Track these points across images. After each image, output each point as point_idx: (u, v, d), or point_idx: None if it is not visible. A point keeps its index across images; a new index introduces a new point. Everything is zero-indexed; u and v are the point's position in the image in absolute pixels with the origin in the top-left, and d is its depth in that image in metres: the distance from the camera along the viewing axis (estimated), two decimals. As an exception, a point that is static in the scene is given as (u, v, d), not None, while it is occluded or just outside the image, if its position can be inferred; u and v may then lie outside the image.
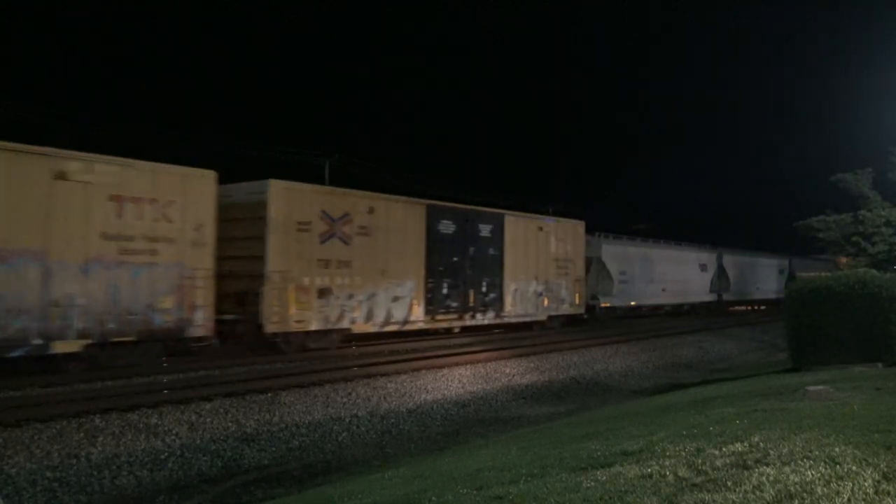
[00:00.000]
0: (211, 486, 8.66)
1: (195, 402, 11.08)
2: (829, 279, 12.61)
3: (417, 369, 15.07)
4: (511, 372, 16.17)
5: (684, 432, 5.68)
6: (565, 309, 25.34)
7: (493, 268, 21.94)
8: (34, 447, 8.76)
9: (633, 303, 30.96)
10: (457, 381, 14.72)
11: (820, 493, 3.51)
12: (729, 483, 3.80)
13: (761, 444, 4.77)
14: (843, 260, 48.31)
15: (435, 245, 19.89)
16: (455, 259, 20.58)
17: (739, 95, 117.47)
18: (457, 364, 16.07)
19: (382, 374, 14.28)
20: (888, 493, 3.46)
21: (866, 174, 23.65)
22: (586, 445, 5.87)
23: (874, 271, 13.22)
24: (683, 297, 35.09)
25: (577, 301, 26.12)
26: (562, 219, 26.55)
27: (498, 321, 22.31)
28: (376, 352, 17.59)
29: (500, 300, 22.16)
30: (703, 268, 37.08)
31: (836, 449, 4.38)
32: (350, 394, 12.70)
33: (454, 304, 20.53)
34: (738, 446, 4.75)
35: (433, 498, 4.42)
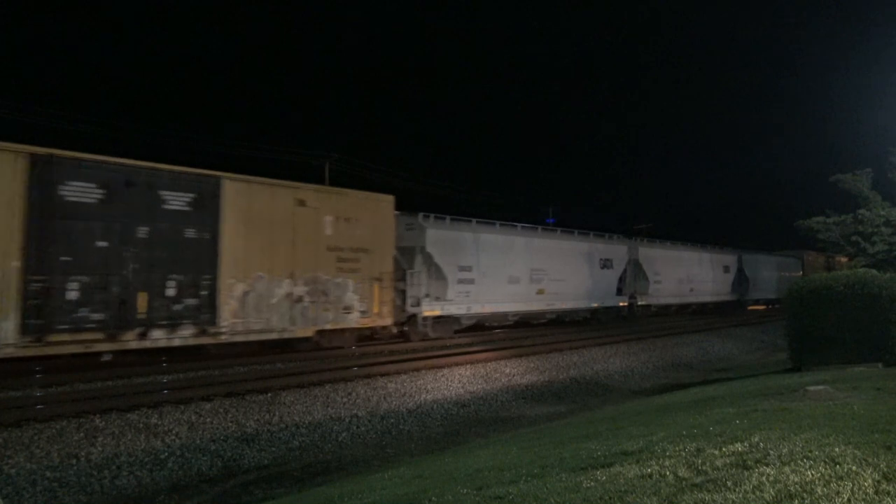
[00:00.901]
0: (211, 486, 8.66)
1: (195, 402, 11.09)
2: (830, 279, 12.61)
3: (417, 369, 15.07)
4: (511, 372, 16.17)
5: (684, 432, 5.68)
6: (353, 320, 17.21)
7: (197, 259, 14.14)
8: (34, 447, 8.76)
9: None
10: (457, 381, 14.72)
11: (820, 493, 3.51)
12: (729, 483, 3.80)
13: (761, 444, 4.77)
14: (822, 257, 44.19)
15: (53, 221, 12.22)
16: (102, 244, 12.76)
17: (739, 96, 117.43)
18: (457, 364, 16.07)
19: (382, 374, 14.28)
20: (888, 493, 3.46)
21: (866, 174, 23.66)
22: (586, 445, 5.87)
23: (874, 271, 13.22)
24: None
25: (376, 309, 17.74)
26: (346, 190, 18.22)
27: (208, 339, 14.37)
28: (376, 352, 17.58)
29: (210, 307, 14.22)
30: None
31: (836, 449, 4.38)
32: (350, 394, 12.70)
33: (95, 317, 12.55)
34: (738, 446, 4.75)
35: (433, 498, 4.42)
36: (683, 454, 4.70)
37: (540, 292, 24.61)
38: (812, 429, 5.24)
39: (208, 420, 10.54)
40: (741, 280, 40.69)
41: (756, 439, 4.92)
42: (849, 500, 3.40)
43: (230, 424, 10.57)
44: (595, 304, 27.91)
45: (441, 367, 15.61)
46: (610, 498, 3.76)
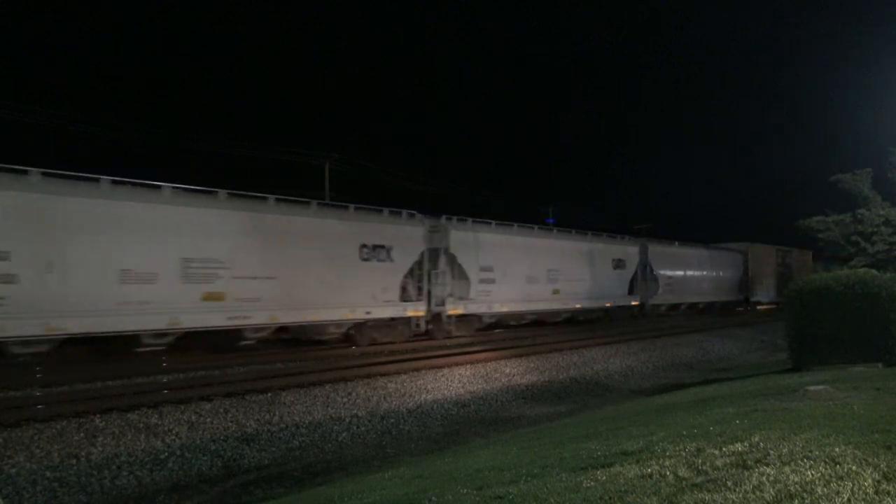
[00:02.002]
0: (211, 486, 8.66)
1: (195, 402, 11.08)
2: (830, 279, 12.61)
3: (417, 369, 15.06)
4: (511, 372, 16.17)
5: (684, 432, 5.68)
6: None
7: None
8: (34, 447, 8.76)
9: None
10: (457, 380, 14.72)
11: (820, 493, 3.50)
12: (729, 483, 3.80)
13: (761, 444, 4.77)
14: (773, 253, 41.73)
15: None
16: None
17: (739, 96, 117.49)
18: (457, 364, 16.07)
19: (382, 374, 14.27)
20: (888, 493, 3.46)
21: (866, 174, 23.66)
22: (586, 445, 5.87)
23: (874, 271, 13.21)
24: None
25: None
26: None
27: None
28: (376, 352, 17.59)
29: None
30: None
31: (837, 449, 4.38)
32: (350, 394, 12.70)
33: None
34: (739, 446, 4.75)
35: (433, 498, 4.42)
36: (683, 454, 4.70)
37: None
38: (812, 429, 5.24)
39: (208, 420, 10.54)
40: (645, 279, 31.49)
41: (756, 439, 4.92)
42: (849, 500, 3.40)
43: (230, 424, 10.56)
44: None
45: (441, 367, 15.61)
46: (610, 498, 3.76)
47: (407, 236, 19.59)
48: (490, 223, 23.03)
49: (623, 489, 3.91)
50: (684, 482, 3.96)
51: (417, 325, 19.91)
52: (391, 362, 15.76)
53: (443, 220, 21.24)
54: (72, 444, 9.01)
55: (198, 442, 9.82)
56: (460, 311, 20.94)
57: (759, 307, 42.06)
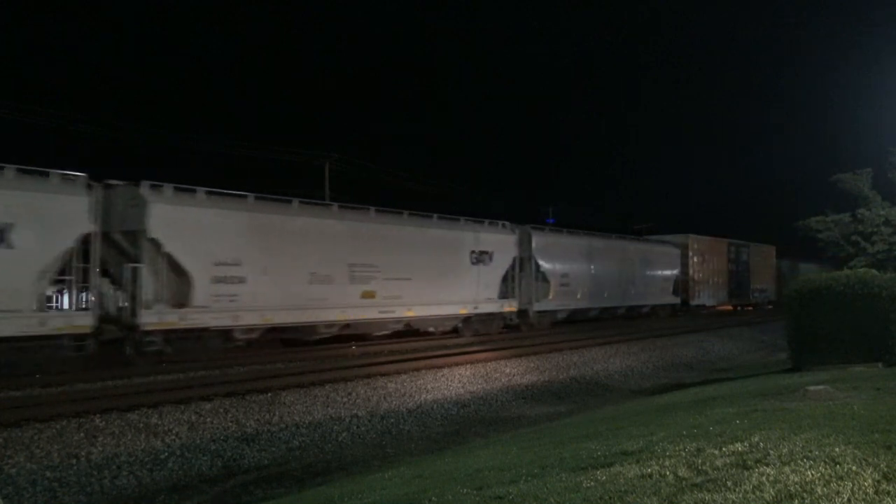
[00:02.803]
0: (211, 486, 8.66)
1: (195, 402, 11.07)
2: (830, 279, 12.60)
3: (417, 369, 15.06)
4: (511, 372, 16.17)
5: (684, 432, 5.68)
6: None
7: None
8: (34, 447, 8.76)
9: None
10: (457, 380, 14.71)
11: (820, 493, 3.50)
12: (729, 483, 3.80)
13: (761, 444, 4.77)
14: (725, 248, 39.03)
15: None
16: None
17: (739, 96, 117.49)
18: (457, 364, 16.06)
19: (382, 374, 14.27)
20: (888, 493, 3.46)
21: (866, 174, 23.65)
22: (586, 445, 5.87)
23: (874, 271, 13.22)
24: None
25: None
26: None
27: None
28: (376, 352, 17.59)
29: None
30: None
31: (837, 449, 4.38)
32: (350, 394, 12.70)
33: None
34: (739, 446, 4.74)
35: (433, 498, 4.42)
36: (683, 454, 4.69)
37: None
38: (812, 429, 5.24)
39: (208, 420, 10.53)
40: (527, 278, 24.41)
41: (756, 439, 4.92)
42: (849, 500, 3.40)
43: (230, 424, 10.56)
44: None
45: (441, 367, 15.60)
46: (610, 498, 3.76)
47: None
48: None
49: (623, 489, 3.91)
50: (684, 482, 3.96)
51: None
52: (391, 362, 15.75)
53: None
54: (72, 444, 9.01)
55: (198, 442, 9.81)
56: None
57: (703, 311, 36.29)
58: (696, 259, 34.80)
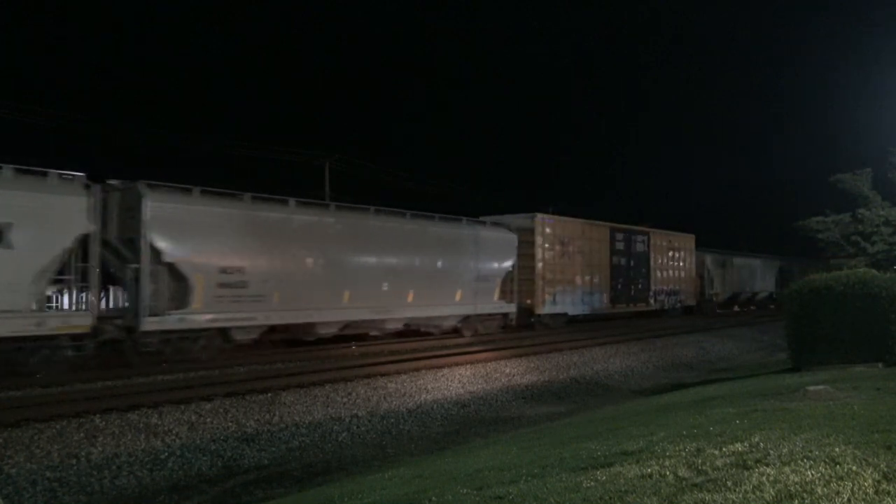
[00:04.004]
0: (211, 486, 8.66)
1: (195, 402, 11.07)
2: (830, 279, 12.59)
3: (417, 369, 15.06)
4: (511, 372, 16.17)
5: (684, 432, 5.68)
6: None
7: None
8: (34, 447, 8.76)
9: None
10: (457, 380, 14.71)
11: (820, 493, 3.50)
12: (729, 483, 3.80)
13: (761, 444, 4.77)
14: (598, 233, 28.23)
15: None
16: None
17: (739, 96, 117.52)
18: (457, 364, 16.06)
19: (382, 374, 14.27)
20: (888, 493, 3.46)
21: (865, 174, 23.64)
22: (586, 445, 5.87)
23: (874, 271, 13.21)
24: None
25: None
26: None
27: None
28: (376, 352, 17.59)
29: None
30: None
31: (837, 449, 4.38)
32: (350, 394, 12.70)
33: None
34: (739, 446, 4.74)
35: (433, 498, 4.42)
36: (683, 454, 4.69)
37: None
38: (812, 429, 5.24)
39: (208, 420, 10.53)
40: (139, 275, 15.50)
41: (756, 439, 4.92)
42: (849, 500, 3.40)
43: (230, 424, 10.56)
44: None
45: (441, 367, 15.60)
46: (610, 498, 3.76)
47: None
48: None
49: (623, 489, 3.91)
50: (684, 482, 3.96)
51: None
52: (391, 362, 15.75)
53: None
54: (72, 444, 9.01)
55: (198, 442, 9.81)
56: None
57: (558, 324, 25.61)
58: (548, 249, 24.95)
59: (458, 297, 21.26)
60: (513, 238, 23.63)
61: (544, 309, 24.89)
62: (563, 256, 26.13)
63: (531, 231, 24.73)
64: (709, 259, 38.08)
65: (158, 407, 10.62)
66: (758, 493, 3.58)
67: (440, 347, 18.74)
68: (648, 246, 31.71)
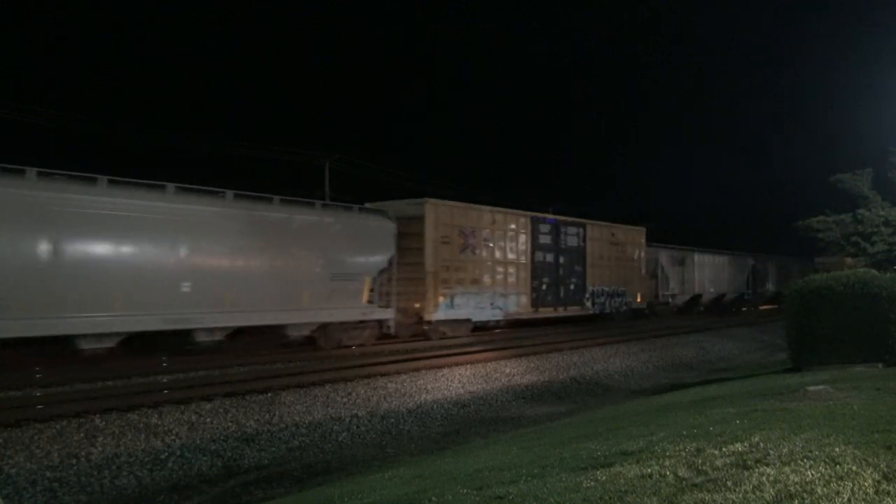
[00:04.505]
0: (211, 486, 8.66)
1: (195, 402, 11.08)
2: (830, 279, 12.60)
3: (417, 369, 15.07)
4: (511, 372, 16.17)
5: (684, 432, 5.68)
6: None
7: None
8: (34, 447, 8.76)
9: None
10: (457, 381, 14.72)
11: (820, 493, 3.50)
12: (729, 483, 3.80)
13: (761, 444, 4.77)
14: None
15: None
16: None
17: (739, 96, 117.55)
18: (457, 364, 16.07)
19: (382, 374, 14.28)
20: (888, 493, 3.46)
21: (866, 174, 23.63)
22: (586, 445, 5.87)
23: (874, 271, 13.20)
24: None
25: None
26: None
27: None
28: (376, 352, 17.59)
29: None
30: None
31: (837, 449, 4.38)
32: (350, 394, 12.70)
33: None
34: (739, 446, 4.74)
35: (433, 498, 4.42)
36: (683, 454, 4.69)
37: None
38: (812, 429, 5.24)
39: (208, 420, 10.53)
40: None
41: (756, 439, 4.92)
42: (849, 500, 3.40)
43: (230, 424, 10.56)
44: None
45: (441, 367, 15.61)
46: (610, 498, 3.76)
47: None
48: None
49: (623, 489, 3.91)
50: (684, 482, 3.96)
51: None
52: (391, 362, 15.76)
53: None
54: (72, 444, 9.01)
55: (198, 442, 9.82)
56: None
57: (456, 335, 20.96)
58: (444, 241, 20.39)
59: (304, 299, 16.43)
60: (388, 227, 18.82)
61: (438, 314, 20.11)
62: (466, 251, 21.29)
63: (420, 220, 19.86)
64: (663, 256, 33.47)
65: (158, 407, 10.63)
66: (758, 493, 3.58)
67: (440, 347, 18.74)
68: (584, 239, 26.92)
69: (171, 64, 75.39)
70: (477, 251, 21.78)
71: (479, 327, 22.34)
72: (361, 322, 18.09)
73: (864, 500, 3.40)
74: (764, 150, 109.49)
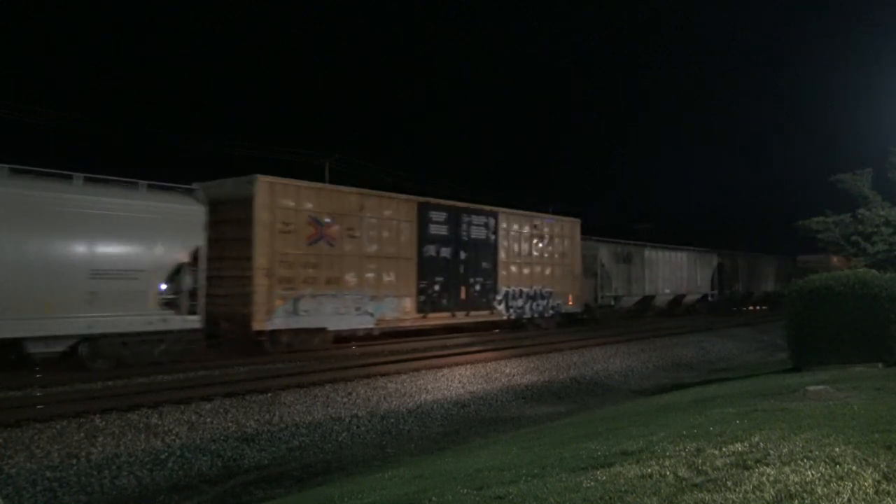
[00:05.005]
0: (211, 486, 8.66)
1: (195, 402, 11.08)
2: (830, 279, 12.60)
3: (417, 369, 15.07)
4: (511, 372, 16.17)
5: (684, 432, 5.68)
6: None
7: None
8: (34, 447, 8.76)
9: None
10: (457, 381, 14.72)
11: (820, 493, 3.50)
12: (729, 483, 3.80)
13: (761, 444, 4.77)
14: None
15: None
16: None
17: (739, 96, 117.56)
18: (457, 364, 16.07)
19: (382, 374, 14.28)
20: (888, 493, 3.46)
21: (866, 174, 23.63)
22: (586, 445, 5.87)
23: (874, 271, 13.21)
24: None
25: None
26: None
27: None
28: (376, 352, 17.59)
29: None
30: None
31: (837, 449, 4.38)
32: (350, 394, 12.70)
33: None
34: (739, 446, 4.74)
35: (433, 498, 4.42)
36: (683, 454, 4.69)
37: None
38: (812, 429, 5.24)
39: (208, 420, 10.53)
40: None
41: (756, 439, 4.92)
42: (849, 500, 3.40)
43: (230, 424, 10.56)
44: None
45: (441, 367, 15.61)
46: (610, 498, 3.76)
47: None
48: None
49: (623, 489, 3.91)
50: (684, 482, 3.96)
51: None
52: (391, 362, 15.76)
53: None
54: (72, 444, 9.01)
55: (198, 442, 9.81)
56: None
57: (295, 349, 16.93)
58: (285, 230, 16.32)
59: (51, 305, 12.31)
60: (191, 211, 14.60)
61: (274, 322, 15.98)
62: (320, 242, 17.03)
63: (247, 202, 15.74)
64: (604, 252, 29.19)
65: (158, 407, 10.63)
66: (758, 493, 3.58)
67: (440, 347, 18.74)
68: (495, 232, 22.47)
69: (171, 64, 75.42)
70: (335, 243, 17.37)
71: (346, 338, 18.26)
72: (153, 334, 13.86)
73: (864, 500, 3.40)
74: (764, 150, 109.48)
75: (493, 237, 22.51)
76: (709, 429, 5.76)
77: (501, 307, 22.80)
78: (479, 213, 22.18)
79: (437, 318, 20.53)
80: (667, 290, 33.70)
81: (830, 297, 12.15)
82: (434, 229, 20.33)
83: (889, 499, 3.40)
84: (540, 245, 24.70)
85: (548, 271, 24.98)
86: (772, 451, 4.46)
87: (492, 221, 22.57)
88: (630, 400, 14.30)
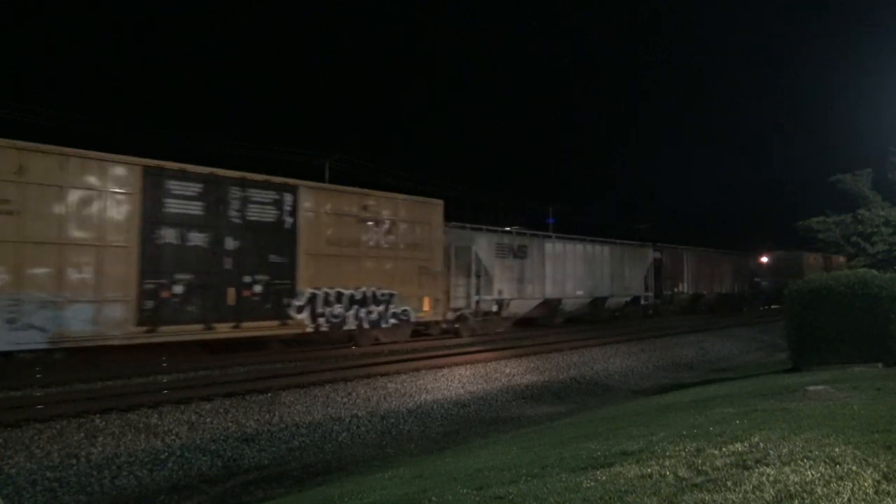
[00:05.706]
0: (211, 486, 8.66)
1: (195, 402, 11.08)
2: (829, 279, 12.60)
3: (417, 369, 15.06)
4: (511, 372, 16.17)
5: (684, 432, 5.68)
6: None
7: None
8: (34, 447, 8.76)
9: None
10: (457, 381, 14.71)
11: (820, 493, 3.50)
12: (729, 483, 3.80)
13: (761, 444, 4.77)
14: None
15: None
16: None
17: (739, 96, 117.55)
18: (457, 364, 16.07)
19: (382, 374, 14.28)
20: (888, 493, 3.46)
21: (865, 175, 23.66)
22: (586, 445, 5.87)
23: (874, 271, 13.21)
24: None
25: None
26: None
27: None
28: (376, 352, 17.59)
29: None
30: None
31: (836, 449, 4.38)
32: (350, 394, 12.70)
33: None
34: (738, 446, 4.74)
35: (433, 498, 4.42)
36: (683, 454, 4.69)
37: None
38: (812, 429, 5.24)
39: (208, 420, 10.53)
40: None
41: (756, 439, 4.92)
42: (849, 500, 3.40)
43: (230, 424, 10.56)
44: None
45: (441, 367, 15.61)
46: (610, 498, 3.76)
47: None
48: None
49: (623, 489, 3.91)
50: (684, 482, 3.96)
51: None
52: (391, 362, 15.76)
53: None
54: (72, 444, 9.01)
55: (198, 442, 9.81)
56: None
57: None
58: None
59: None
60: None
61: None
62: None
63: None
64: (483, 243, 22.84)
65: (158, 407, 10.63)
66: (758, 493, 3.58)
67: (440, 347, 18.74)
68: (293, 213, 16.50)
69: (171, 64, 75.42)
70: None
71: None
72: None
73: (864, 500, 3.40)
74: (764, 150, 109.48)
75: (289, 220, 16.44)
76: (709, 429, 5.76)
77: (303, 315, 16.47)
78: (264, 185, 15.99)
79: (176, 331, 14.23)
80: (579, 293, 27.49)
81: (830, 297, 12.15)
82: (175, 206, 14.34)
83: (889, 499, 3.40)
84: (375, 232, 18.41)
85: (388, 266, 18.74)
86: (772, 451, 4.46)
87: (288, 198, 16.44)
88: (630, 400, 14.30)
